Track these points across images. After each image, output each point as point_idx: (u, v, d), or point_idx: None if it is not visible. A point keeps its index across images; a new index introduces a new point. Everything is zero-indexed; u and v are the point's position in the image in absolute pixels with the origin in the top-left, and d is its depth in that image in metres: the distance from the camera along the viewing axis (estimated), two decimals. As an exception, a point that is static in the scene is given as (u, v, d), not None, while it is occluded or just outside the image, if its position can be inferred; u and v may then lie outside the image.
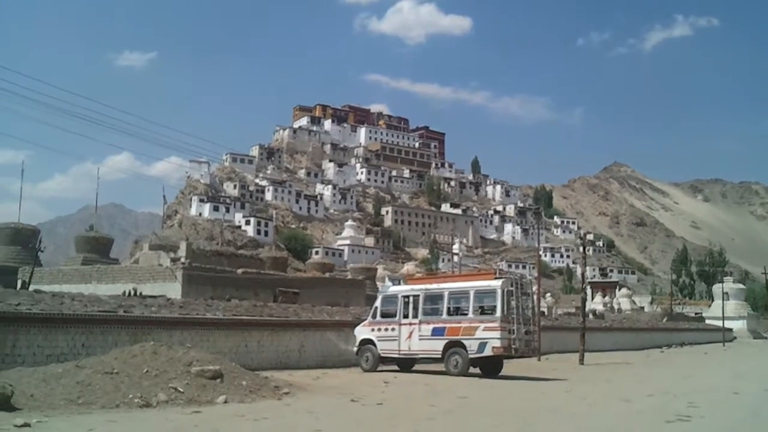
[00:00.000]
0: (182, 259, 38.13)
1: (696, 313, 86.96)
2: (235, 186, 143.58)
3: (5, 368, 14.83)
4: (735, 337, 72.14)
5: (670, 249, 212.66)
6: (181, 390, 13.49)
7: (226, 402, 13.45)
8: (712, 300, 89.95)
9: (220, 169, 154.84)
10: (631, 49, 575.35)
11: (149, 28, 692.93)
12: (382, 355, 23.36)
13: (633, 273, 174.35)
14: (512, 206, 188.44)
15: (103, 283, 37.00)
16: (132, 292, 27.55)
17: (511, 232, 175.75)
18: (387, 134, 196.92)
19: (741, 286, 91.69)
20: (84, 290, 27.71)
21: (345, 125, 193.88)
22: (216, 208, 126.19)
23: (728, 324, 69.97)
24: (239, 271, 39.79)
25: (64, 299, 19.98)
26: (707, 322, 76.58)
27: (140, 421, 11.59)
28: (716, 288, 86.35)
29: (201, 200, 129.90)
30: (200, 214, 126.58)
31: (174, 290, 32.47)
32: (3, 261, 47.62)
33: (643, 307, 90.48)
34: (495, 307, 21.25)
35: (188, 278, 34.25)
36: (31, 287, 29.46)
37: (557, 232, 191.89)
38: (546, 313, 51.46)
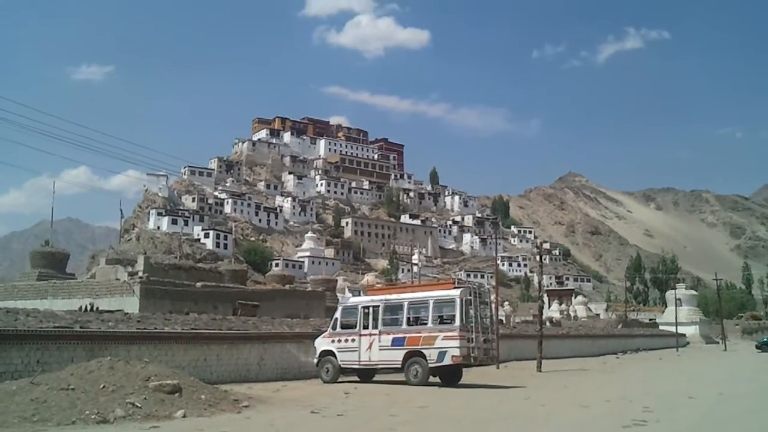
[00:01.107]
0: (140, 273, 37.66)
1: (650, 320, 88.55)
2: (193, 199, 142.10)
3: (-43, 387, 14.53)
4: (688, 342, 73.61)
5: (624, 257, 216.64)
6: (139, 405, 13.37)
7: (184, 416, 13.36)
8: (666, 306, 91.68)
9: (179, 182, 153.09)
10: (584, 62, 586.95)
11: (107, 41, 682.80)
12: (343, 366, 23.37)
13: (588, 281, 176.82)
14: (470, 217, 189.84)
15: (59, 299, 36.34)
16: (89, 307, 27.11)
17: (469, 242, 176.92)
18: (346, 146, 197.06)
19: (693, 292, 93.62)
20: (39, 306, 27.21)
21: (304, 137, 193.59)
22: (174, 222, 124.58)
23: (681, 329, 71.34)
24: (198, 284, 39.42)
25: (19, 315, 19.64)
26: (661, 327, 78.01)
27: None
28: (669, 294, 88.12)
29: (159, 214, 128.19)
30: (158, 228, 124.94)
31: (132, 305, 32.03)
32: (-47, 278, 46.49)
33: (598, 314, 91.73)
34: (454, 316, 21.43)
35: (146, 292, 33.83)
36: (-17, 304, 28.81)
37: (515, 241, 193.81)
38: (504, 322, 51.97)
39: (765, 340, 60.47)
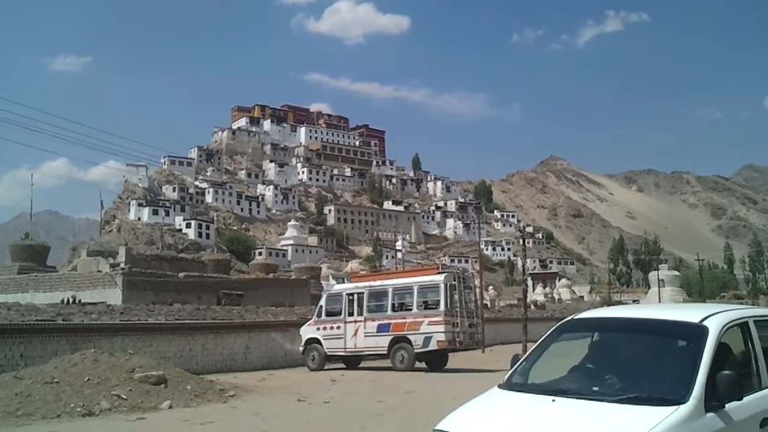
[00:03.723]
0: (122, 265, 37.44)
1: (633, 301, 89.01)
2: (174, 189, 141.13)
3: (-61, 382, 14.37)
4: (671, 323, 74.21)
5: (607, 239, 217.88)
6: (125, 397, 13.31)
7: (170, 407, 13.31)
8: (649, 287, 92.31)
9: (159, 172, 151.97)
10: (564, 45, 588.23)
11: (85, 31, 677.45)
12: (328, 353, 23.39)
13: (572, 263, 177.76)
14: (453, 202, 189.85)
15: (40, 292, 36.11)
16: (71, 300, 26.94)
17: (452, 227, 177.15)
18: (327, 133, 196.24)
19: (676, 273, 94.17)
20: (21, 299, 27.04)
21: (285, 125, 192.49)
22: (155, 212, 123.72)
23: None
24: (181, 274, 39.28)
25: (0, 309, 19.47)
26: (645, 309, 78.56)
27: (82, 430, 11.41)
28: (652, 275, 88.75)
29: (140, 204, 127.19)
30: (139, 219, 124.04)
31: (114, 296, 31.87)
32: (-68, 273, 45.97)
33: (582, 297, 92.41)
34: (438, 301, 21.51)
35: (128, 284, 33.68)
36: (-36, 299, 28.53)
37: (498, 225, 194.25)
38: (489, 306, 52.13)
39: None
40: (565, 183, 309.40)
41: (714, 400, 4.47)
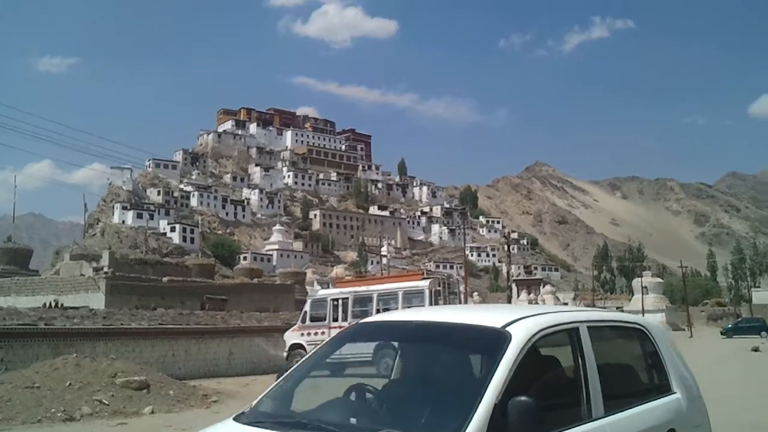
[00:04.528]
0: (105, 269, 37.21)
1: (617, 308, 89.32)
2: (159, 192, 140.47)
3: None
4: (654, 329, 74.57)
5: (591, 246, 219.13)
6: (106, 402, 13.23)
7: (152, 412, 13.25)
8: (632, 294, 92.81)
9: (143, 175, 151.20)
10: (550, 51, 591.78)
11: (71, 33, 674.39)
12: (313, 359, 23.31)
13: (556, 270, 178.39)
14: (439, 207, 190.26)
15: (22, 296, 35.86)
16: (53, 304, 26.76)
17: (438, 232, 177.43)
18: (313, 137, 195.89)
19: (659, 279, 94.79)
20: (2, 303, 26.81)
21: (271, 128, 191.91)
22: (140, 216, 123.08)
23: (648, 317, 72.31)
24: (165, 279, 39.08)
25: (-20, 313, 19.31)
26: (628, 315, 78.93)
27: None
28: (635, 282, 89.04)
29: (124, 208, 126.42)
30: (123, 222, 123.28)
31: (97, 301, 31.68)
32: None
33: (566, 303, 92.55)
34: (423, 307, 21.52)
35: (112, 288, 33.50)
36: (-56, 302, 28.28)
37: (483, 231, 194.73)
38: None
39: (730, 326, 61.42)
40: (551, 189, 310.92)
41: None
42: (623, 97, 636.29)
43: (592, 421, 3.66)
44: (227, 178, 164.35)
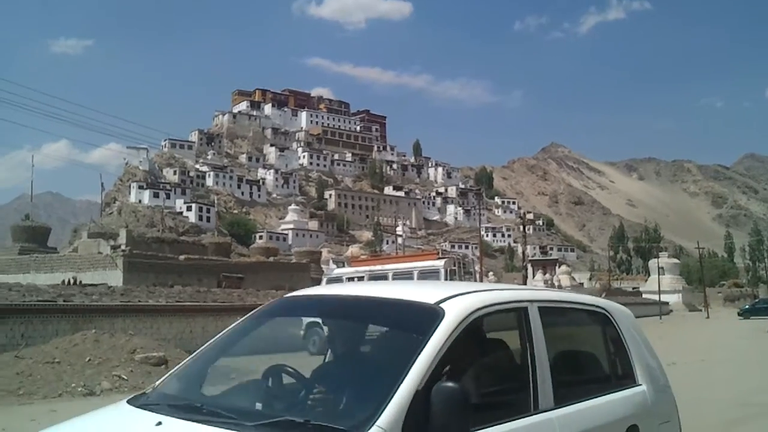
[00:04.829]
0: (122, 247, 37.51)
1: (633, 288, 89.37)
2: (175, 172, 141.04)
3: (-59, 361, 14.42)
4: (671, 310, 74.33)
5: (608, 226, 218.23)
6: (125, 377, 13.35)
7: (171, 388, 13.34)
8: (649, 275, 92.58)
9: (159, 155, 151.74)
10: (566, 33, 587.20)
11: (87, 14, 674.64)
12: (329, 337, 23.39)
13: (572, 250, 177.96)
14: (454, 188, 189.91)
15: (41, 273, 36.21)
16: (72, 281, 26.99)
17: (453, 213, 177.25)
18: (328, 118, 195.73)
19: (676, 260, 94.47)
20: (22, 280, 27.07)
21: (285, 109, 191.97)
22: (156, 195, 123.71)
23: (664, 298, 72.03)
24: (181, 257, 39.32)
25: (1, 289, 19.50)
26: (644, 296, 78.65)
27: (83, 410, 11.44)
28: (652, 263, 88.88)
29: (140, 187, 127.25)
30: (140, 201, 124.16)
31: (115, 278, 31.94)
32: (-67, 253, 46.06)
33: (582, 284, 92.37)
34: (438, 286, 21.52)
35: (129, 265, 33.76)
36: (-35, 279, 28.60)
37: (498, 212, 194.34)
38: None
39: (747, 307, 60.97)
40: (567, 170, 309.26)
41: None
42: (640, 78, 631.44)
43: (540, 413, 3.21)
44: (242, 158, 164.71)
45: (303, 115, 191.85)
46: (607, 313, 4.12)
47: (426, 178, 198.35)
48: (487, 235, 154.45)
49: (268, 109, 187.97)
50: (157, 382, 3.44)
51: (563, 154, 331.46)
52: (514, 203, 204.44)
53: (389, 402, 2.62)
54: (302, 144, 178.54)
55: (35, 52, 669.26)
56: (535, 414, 3.18)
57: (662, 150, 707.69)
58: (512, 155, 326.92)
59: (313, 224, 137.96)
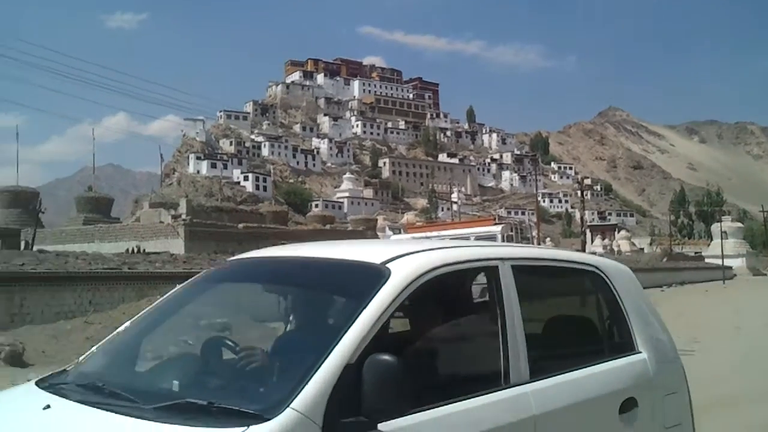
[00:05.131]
0: (183, 216, 38.21)
1: (696, 253, 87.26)
2: (231, 143, 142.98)
3: (15, 326, 14.94)
4: (735, 275, 72.55)
5: (668, 191, 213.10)
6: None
7: (236, 352, 13.56)
8: (711, 239, 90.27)
9: (216, 126, 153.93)
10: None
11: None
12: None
13: (631, 215, 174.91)
14: (509, 154, 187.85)
15: (105, 242, 37.16)
16: (135, 250, 27.62)
17: (508, 179, 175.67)
18: (381, 86, 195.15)
19: (739, 224, 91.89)
20: (87, 249, 27.77)
21: (338, 79, 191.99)
22: (213, 165, 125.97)
23: (727, 262, 70.26)
24: (240, 225, 39.88)
25: (69, 258, 20.04)
26: (707, 261, 76.91)
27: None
28: (715, 227, 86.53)
29: (198, 158, 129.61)
30: (198, 172, 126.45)
31: (177, 246, 32.58)
32: (4, 224, 47.63)
33: (642, 249, 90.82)
34: (497, 251, 21.37)
35: (190, 234, 34.40)
36: (35, 248, 29.52)
37: (555, 177, 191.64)
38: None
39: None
40: (625, 134, 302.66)
41: (347, 415, 2.21)
42: (699, 39, 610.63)
43: (510, 387, 2.76)
44: (297, 128, 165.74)
45: (355, 84, 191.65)
46: (600, 273, 3.57)
47: (480, 144, 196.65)
48: (543, 201, 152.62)
49: (320, 78, 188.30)
50: (81, 358, 3.03)
51: (621, 118, 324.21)
52: (570, 168, 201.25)
53: (309, 380, 2.22)
54: (355, 113, 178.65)
55: (92, 27, 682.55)
56: (506, 388, 2.75)
57: (724, 112, 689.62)
58: (568, 120, 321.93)
59: (368, 192, 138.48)
